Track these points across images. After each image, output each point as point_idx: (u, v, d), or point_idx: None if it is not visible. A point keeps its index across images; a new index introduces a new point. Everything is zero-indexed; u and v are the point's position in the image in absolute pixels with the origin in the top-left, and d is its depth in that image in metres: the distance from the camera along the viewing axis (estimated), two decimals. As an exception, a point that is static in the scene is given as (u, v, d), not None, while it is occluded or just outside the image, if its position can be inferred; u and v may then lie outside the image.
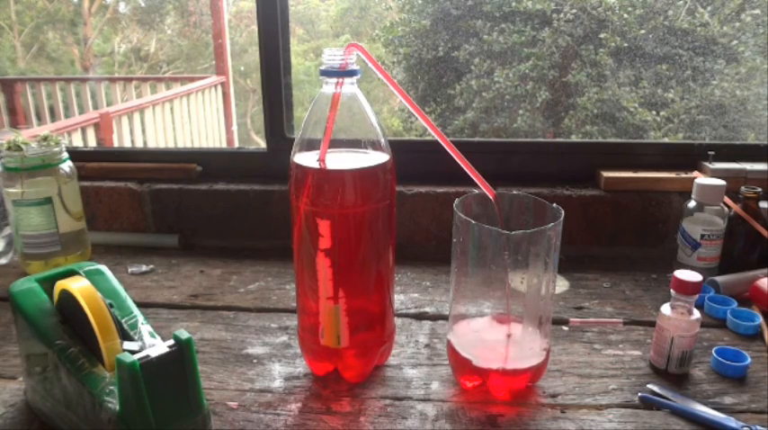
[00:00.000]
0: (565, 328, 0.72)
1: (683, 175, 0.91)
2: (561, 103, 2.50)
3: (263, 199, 0.96)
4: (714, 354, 0.63)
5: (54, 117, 3.55)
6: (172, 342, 0.47)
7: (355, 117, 0.57)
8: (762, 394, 0.59)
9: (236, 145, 4.35)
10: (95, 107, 3.47)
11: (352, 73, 0.55)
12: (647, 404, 0.57)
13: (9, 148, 0.82)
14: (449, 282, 0.71)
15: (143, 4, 4.92)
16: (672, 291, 0.61)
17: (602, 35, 2.34)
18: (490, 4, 2.51)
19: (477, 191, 0.57)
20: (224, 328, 0.72)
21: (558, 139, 1.21)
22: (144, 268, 0.89)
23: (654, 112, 2.31)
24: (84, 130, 2.89)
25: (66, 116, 3.48)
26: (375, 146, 0.57)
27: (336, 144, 0.56)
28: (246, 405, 0.58)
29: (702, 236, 0.80)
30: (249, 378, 0.62)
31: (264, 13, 0.94)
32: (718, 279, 0.79)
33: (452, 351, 0.60)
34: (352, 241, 0.57)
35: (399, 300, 0.79)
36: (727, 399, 0.58)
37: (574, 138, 2.25)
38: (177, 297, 0.80)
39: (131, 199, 0.99)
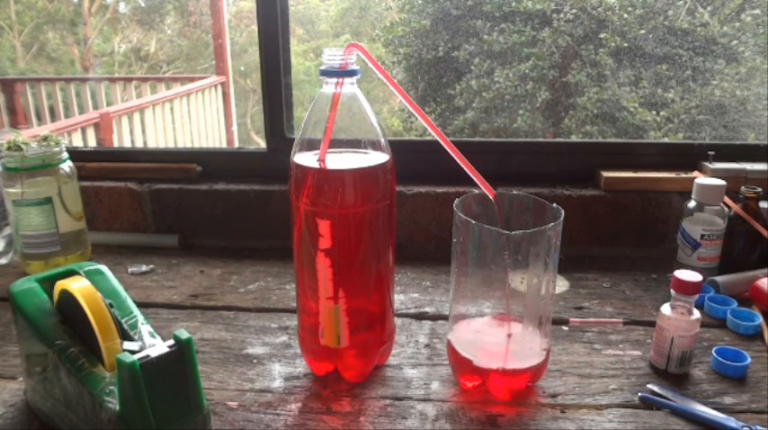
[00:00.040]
0: (565, 328, 0.72)
1: (683, 175, 0.91)
2: (561, 103, 2.50)
3: (263, 199, 0.96)
4: (714, 354, 0.63)
5: (54, 117, 3.55)
6: (172, 342, 0.47)
7: (355, 117, 0.57)
8: (762, 394, 0.59)
9: (236, 145, 4.35)
10: (95, 107, 3.48)
11: (352, 73, 0.55)
12: (647, 404, 0.57)
13: (9, 148, 0.82)
14: (449, 282, 0.71)
15: (143, 4, 4.92)
16: (672, 291, 0.61)
17: (602, 35, 2.34)
18: (490, 4, 2.51)
19: (477, 191, 0.57)
20: (224, 328, 0.72)
21: (558, 139, 1.21)
22: (144, 268, 0.89)
23: (654, 112, 2.31)
24: (84, 130, 2.90)
25: (67, 116, 3.49)
26: (375, 146, 0.57)
27: (336, 144, 0.56)
28: (246, 405, 0.58)
29: (702, 236, 0.80)
30: (249, 378, 0.62)
31: (264, 13, 0.94)
32: (718, 279, 0.79)
33: (452, 351, 0.60)
34: (352, 241, 0.57)
35: (399, 300, 0.79)
36: (727, 399, 0.58)
37: (574, 138, 2.25)
38: (177, 297, 0.80)
39: (131, 199, 0.99)
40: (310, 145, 0.56)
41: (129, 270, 0.88)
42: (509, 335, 0.58)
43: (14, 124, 3.48)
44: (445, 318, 0.74)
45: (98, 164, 1.02)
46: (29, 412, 0.57)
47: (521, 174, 0.97)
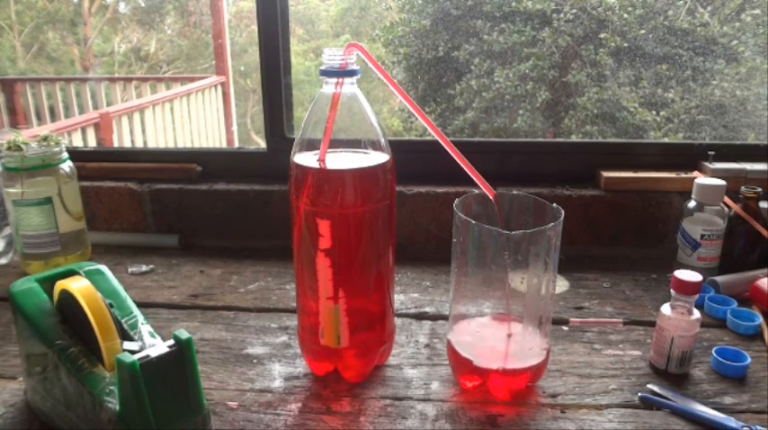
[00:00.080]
0: (565, 328, 0.72)
1: (683, 175, 0.91)
2: (561, 103, 2.50)
3: (263, 199, 0.96)
4: (714, 354, 0.63)
5: (54, 117, 3.55)
6: (172, 342, 0.47)
7: (355, 117, 0.57)
8: (762, 394, 0.59)
9: (236, 145, 4.35)
10: (95, 107, 3.48)
11: (352, 73, 0.55)
12: (647, 404, 0.57)
13: (9, 148, 0.82)
14: (449, 282, 0.71)
15: (143, 4, 4.92)
16: (672, 291, 0.61)
17: (602, 35, 2.34)
18: (490, 4, 2.51)
19: (477, 191, 0.57)
20: (224, 328, 0.72)
21: (558, 139, 1.21)
22: (144, 268, 0.89)
23: (654, 112, 2.31)
24: (84, 130, 2.90)
25: (67, 116, 3.48)
26: (375, 146, 0.57)
27: (336, 144, 0.56)
28: (246, 405, 0.58)
29: (702, 236, 0.80)
30: (249, 378, 0.62)
31: (264, 13, 0.94)
32: (718, 279, 0.79)
33: (452, 351, 0.60)
34: (352, 241, 0.57)
35: (399, 300, 0.79)
36: (727, 399, 0.58)
37: (574, 138, 2.25)
38: (177, 297, 0.80)
39: (131, 199, 0.99)
40: (310, 145, 0.56)
41: (129, 270, 0.88)
42: (509, 336, 0.58)
43: (14, 124, 3.48)
44: (445, 317, 0.74)
45: (98, 164, 1.02)
46: (29, 412, 0.57)
47: (521, 174, 0.97)
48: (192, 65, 4.74)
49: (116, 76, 4.49)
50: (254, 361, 0.65)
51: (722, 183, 0.80)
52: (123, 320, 0.52)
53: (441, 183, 0.94)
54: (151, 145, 3.21)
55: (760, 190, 0.82)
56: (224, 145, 3.90)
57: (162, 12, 4.86)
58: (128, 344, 0.49)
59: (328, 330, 0.59)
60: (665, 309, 0.62)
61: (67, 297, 0.51)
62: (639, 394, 0.58)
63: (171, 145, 3.39)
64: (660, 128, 2.31)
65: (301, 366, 0.64)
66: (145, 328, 0.52)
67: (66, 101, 3.62)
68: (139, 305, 0.55)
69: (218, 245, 0.98)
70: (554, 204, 0.56)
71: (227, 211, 0.97)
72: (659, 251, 0.92)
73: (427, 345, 0.68)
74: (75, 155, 0.90)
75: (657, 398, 0.57)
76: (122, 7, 4.96)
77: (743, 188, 0.83)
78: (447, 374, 0.62)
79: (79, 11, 4.78)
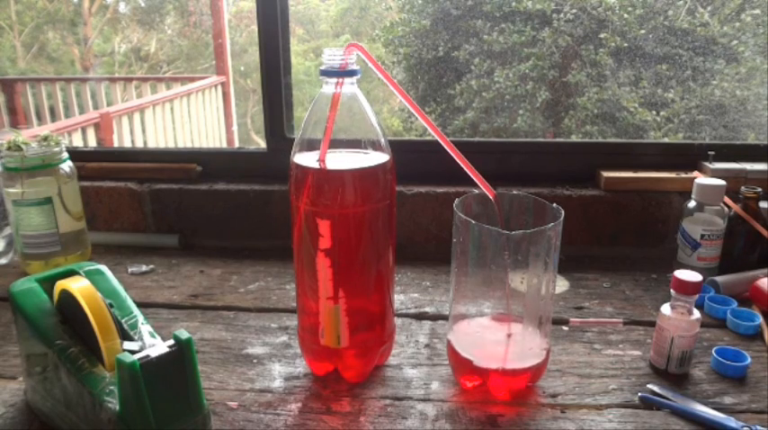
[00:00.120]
0: (565, 328, 0.72)
1: (683, 175, 0.91)
2: (561, 103, 2.50)
3: (263, 199, 0.96)
4: (714, 354, 0.63)
5: (54, 117, 3.55)
6: (172, 342, 0.47)
7: (355, 117, 0.57)
8: (762, 394, 0.59)
9: (237, 145, 4.35)
10: (95, 107, 3.48)
11: (352, 73, 0.55)
12: (647, 404, 0.57)
13: (9, 148, 0.82)
14: (449, 282, 0.71)
15: (143, 4, 4.92)
16: (672, 291, 0.61)
17: (602, 35, 2.34)
18: (490, 4, 2.51)
19: (477, 191, 0.57)
20: (224, 328, 0.72)
21: (558, 139, 1.21)
22: (144, 268, 0.89)
23: (654, 112, 2.31)
24: (84, 130, 2.90)
25: (67, 116, 3.48)
26: (375, 146, 0.57)
27: (336, 144, 0.56)
28: (246, 405, 0.58)
29: (702, 236, 0.80)
30: (249, 378, 0.62)
31: (264, 13, 0.94)
32: (718, 279, 0.79)
33: (452, 351, 0.60)
34: (352, 241, 0.57)
35: (399, 300, 0.79)
36: (727, 399, 0.58)
37: (574, 138, 2.25)
38: (177, 297, 0.80)
39: (131, 199, 0.99)
40: (310, 145, 0.56)
41: (129, 270, 0.88)
42: (509, 336, 0.58)
43: (14, 124, 3.48)
44: (445, 318, 0.74)
45: (98, 164, 1.02)
46: (29, 412, 0.57)
47: (521, 174, 0.97)
48: (192, 65, 4.74)
49: (116, 76, 4.49)
50: (254, 361, 0.65)
51: (722, 183, 0.80)
52: (123, 320, 0.52)
53: (441, 183, 0.94)
54: (151, 145, 3.21)
55: (760, 190, 0.82)
56: (224, 145, 3.90)
57: (162, 12, 4.87)
58: (128, 344, 0.49)
59: (328, 330, 0.59)
60: (665, 309, 0.62)
61: (67, 297, 0.51)
62: (639, 394, 0.58)
63: (171, 145, 3.39)
64: (660, 128, 2.31)
65: (301, 366, 0.64)
66: (145, 328, 0.52)
67: (66, 101, 3.62)
68: (139, 305, 0.55)
69: (218, 245, 0.98)
70: (554, 204, 0.56)
71: (227, 211, 0.97)
72: (659, 251, 0.92)
73: (427, 345, 0.68)
74: (75, 155, 0.90)
75: (657, 398, 0.57)
76: (122, 7, 4.96)
77: (743, 188, 0.83)
78: (447, 374, 0.62)
79: (79, 11, 4.78)
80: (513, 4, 2.47)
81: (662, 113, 2.31)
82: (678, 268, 0.67)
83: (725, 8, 2.24)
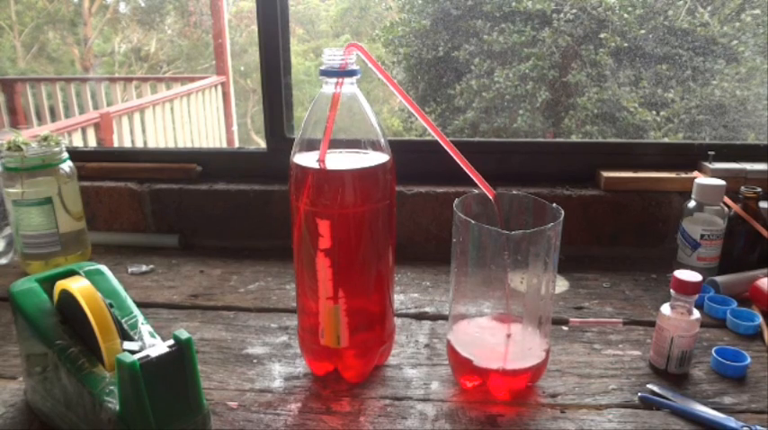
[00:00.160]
0: (565, 328, 0.72)
1: (683, 175, 0.91)
2: (561, 103, 2.50)
3: (263, 199, 0.96)
4: (714, 354, 0.63)
5: (54, 117, 3.55)
6: (172, 342, 0.47)
7: (355, 117, 0.57)
8: (762, 394, 0.59)
9: (237, 145, 4.35)
10: (95, 107, 3.48)
11: (352, 73, 0.55)
12: (647, 404, 0.57)
13: (9, 148, 0.82)
14: (449, 282, 0.71)
15: (143, 4, 4.92)
16: (672, 291, 0.61)
17: (602, 35, 2.34)
18: (490, 4, 2.51)
19: (477, 191, 0.57)
20: (224, 328, 0.72)
21: (558, 139, 1.21)
22: (144, 268, 0.89)
23: (654, 112, 2.31)
24: (84, 130, 2.90)
25: (67, 116, 3.49)
26: (375, 146, 0.57)
27: (336, 144, 0.56)
28: (246, 405, 0.58)
29: (702, 236, 0.80)
30: (249, 378, 0.62)
31: (264, 13, 0.94)
32: (718, 279, 0.79)
33: (452, 351, 0.60)
34: (352, 241, 0.57)
35: (399, 300, 0.79)
36: (727, 399, 0.58)
37: (574, 138, 2.25)
38: (177, 297, 0.80)
39: (131, 199, 0.99)
40: (310, 145, 0.56)
41: (129, 270, 0.88)
42: (509, 336, 0.58)
43: (14, 124, 3.48)
44: (445, 318, 0.74)
45: (98, 164, 1.02)
46: (29, 412, 0.57)
47: (521, 174, 0.97)
48: (192, 65, 4.74)
49: (116, 76, 4.49)
50: (254, 361, 0.65)
51: (722, 183, 0.80)
52: (123, 320, 0.52)
53: (441, 183, 0.94)
54: (151, 145, 3.21)
55: (760, 190, 0.82)
56: (224, 145, 3.90)
57: (162, 12, 4.87)
58: (128, 344, 0.49)
59: (328, 330, 0.59)
60: (665, 308, 0.62)
61: (67, 297, 0.51)
62: (639, 394, 0.58)
63: (171, 145, 3.39)
64: (660, 128, 2.31)
65: (301, 366, 0.64)
66: (145, 328, 0.52)
67: (66, 101, 3.62)
68: (139, 305, 0.55)
69: (218, 245, 0.98)
70: (554, 204, 0.56)
71: (227, 211, 0.97)
72: (659, 251, 0.92)
73: (427, 345, 0.68)
74: (75, 155, 0.90)
75: (657, 398, 0.57)
76: (122, 7, 4.96)
77: (743, 188, 0.83)
78: (447, 374, 0.62)
79: (79, 11, 4.79)
80: (513, 4, 2.47)
81: (662, 113, 2.31)
82: (678, 268, 0.67)
83: (725, 8, 2.24)
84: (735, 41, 2.20)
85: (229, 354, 0.66)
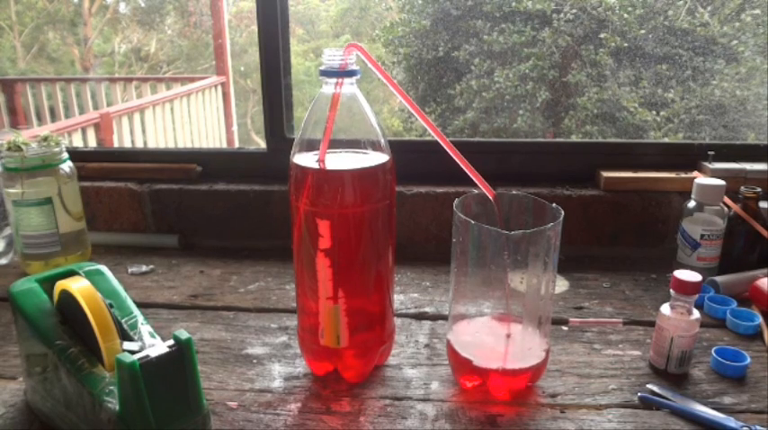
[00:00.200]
0: (565, 328, 0.72)
1: (683, 175, 0.91)
2: (561, 103, 2.50)
3: (263, 199, 0.96)
4: (714, 354, 0.63)
5: (54, 117, 3.55)
6: (172, 342, 0.47)
7: (355, 117, 0.57)
8: (761, 394, 0.59)
9: (237, 145, 4.35)
10: (95, 107, 3.48)
11: (351, 73, 0.55)
12: (647, 404, 0.57)
13: (9, 149, 0.82)
14: (449, 282, 0.71)
15: (143, 5, 4.92)
16: (671, 291, 0.61)
17: (602, 35, 2.34)
18: (490, 4, 2.51)
19: (476, 191, 0.57)
20: (224, 328, 0.72)
21: (558, 139, 1.21)
22: (144, 268, 0.89)
23: (654, 112, 2.31)
24: (84, 131, 2.90)
25: (67, 116, 3.49)
26: (375, 146, 0.57)
27: (336, 144, 0.56)
28: (246, 405, 0.58)
29: (702, 236, 0.80)
30: (249, 378, 0.62)
31: (264, 13, 0.94)
32: (718, 279, 0.79)
33: (452, 351, 0.60)
34: (352, 241, 0.57)
35: (399, 300, 0.79)
36: (727, 399, 0.58)
37: (574, 138, 2.25)
38: (177, 297, 0.80)
39: (131, 199, 0.99)
40: (310, 145, 0.56)
41: (129, 270, 0.88)
42: (509, 336, 0.58)
43: (14, 124, 3.48)
44: (445, 318, 0.74)
45: (98, 164, 1.02)
46: (29, 412, 0.57)
47: (521, 174, 0.97)
48: (192, 65, 4.74)
49: (116, 76, 4.49)
50: (254, 361, 0.65)
51: (722, 183, 0.80)
52: (123, 320, 0.52)
53: (441, 183, 0.94)
54: (151, 145, 3.22)
55: (760, 190, 0.82)
56: (224, 145, 3.90)
57: (162, 12, 4.87)
58: (128, 345, 0.49)
59: (328, 330, 0.59)
60: (665, 308, 0.62)
61: (67, 297, 0.51)
62: (639, 394, 0.58)
63: (171, 145, 3.39)
64: (660, 128, 2.31)
65: (301, 366, 0.64)
66: (145, 328, 0.52)
67: (66, 101, 3.62)
68: (139, 305, 0.55)
69: (218, 245, 0.98)
70: (554, 204, 0.56)
71: (227, 211, 0.97)
72: (659, 251, 0.92)
73: (427, 345, 0.68)
74: (75, 155, 0.90)
75: (657, 398, 0.57)
76: (122, 7, 4.96)
77: (743, 188, 0.83)
78: (447, 374, 0.62)
79: (79, 11, 4.79)
80: (513, 4, 2.47)
81: (662, 113, 2.31)
82: (678, 268, 0.67)
83: (725, 8, 2.24)
84: (735, 41, 2.21)
85: (229, 355, 0.66)
